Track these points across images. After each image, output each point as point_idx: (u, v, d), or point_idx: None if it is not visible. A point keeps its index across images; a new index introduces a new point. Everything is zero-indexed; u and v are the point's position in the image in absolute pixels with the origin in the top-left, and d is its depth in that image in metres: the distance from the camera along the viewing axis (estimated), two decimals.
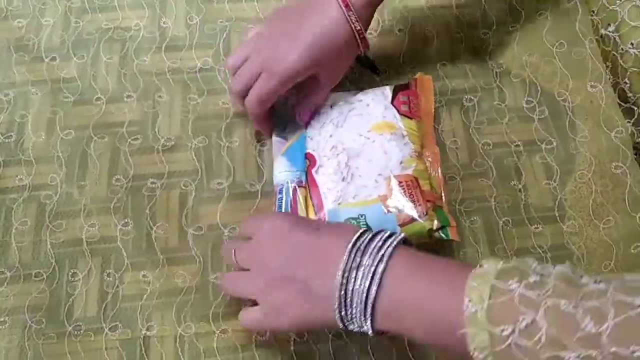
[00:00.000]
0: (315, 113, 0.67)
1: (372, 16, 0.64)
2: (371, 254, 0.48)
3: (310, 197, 0.62)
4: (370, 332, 0.48)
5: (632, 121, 0.69)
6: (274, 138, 0.67)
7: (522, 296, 0.40)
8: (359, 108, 0.66)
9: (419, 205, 0.59)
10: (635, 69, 0.67)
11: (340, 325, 0.49)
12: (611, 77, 0.71)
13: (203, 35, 0.75)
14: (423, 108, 0.67)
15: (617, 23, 0.68)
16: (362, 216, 0.59)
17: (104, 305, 0.61)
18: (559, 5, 0.75)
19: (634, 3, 0.67)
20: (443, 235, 0.59)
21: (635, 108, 0.68)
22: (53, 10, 0.76)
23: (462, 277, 0.43)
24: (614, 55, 0.69)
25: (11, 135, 0.68)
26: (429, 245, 0.60)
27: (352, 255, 0.48)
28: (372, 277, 0.47)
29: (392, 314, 0.47)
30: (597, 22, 0.73)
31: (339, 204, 0.60)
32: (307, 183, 0.63)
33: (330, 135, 0.65)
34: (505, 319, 0.40)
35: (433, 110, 0.68)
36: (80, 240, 0.63)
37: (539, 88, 0.72)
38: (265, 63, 0.62)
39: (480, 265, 0.44)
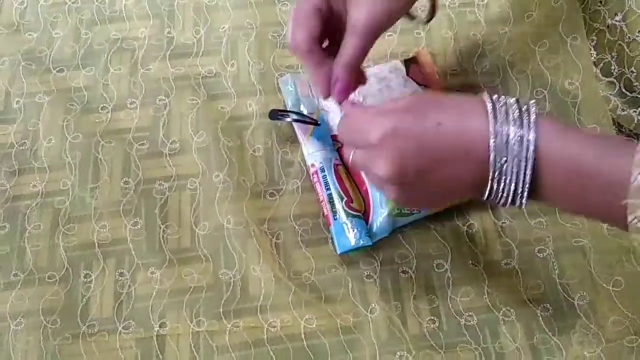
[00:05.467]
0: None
1: None
2: (515, 123, 0.45)
3: (350, 175, 0.62)
4: (524, 206, 0.47)
5: (638, 111, 0.69)
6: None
7: None
8: (377, 82, 0.67)
9: None
10: None
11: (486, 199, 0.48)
12: (616, 67, 0.71)
13: (209, 42, 0.77)
14: (430, 78, 0.69)
15: (624, 12, 0.68)
16: None
17: (117, 305, 0.62)
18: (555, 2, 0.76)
19: None
20: None
21: None
22: (63, 23, 0.78)
23: (627, 148, 0.43)
24: (619, 45, 0.69)
25: (25, 143, 0.70)
26: None
27: (497, 130, 0.45)
28: (527, 150, 0.44)
29: (549, 186, 0.46)
30: (604, 12, 0.73)
31: None
32: (343, 163, 0.63)
33: None
34: None
35: (437, 77, 0.69)
36: (93, 242, 0.65)
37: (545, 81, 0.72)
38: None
39: None
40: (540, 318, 0.61)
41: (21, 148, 0.70)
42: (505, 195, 0.47)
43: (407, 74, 0.69)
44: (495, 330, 0.60)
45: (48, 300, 0.62)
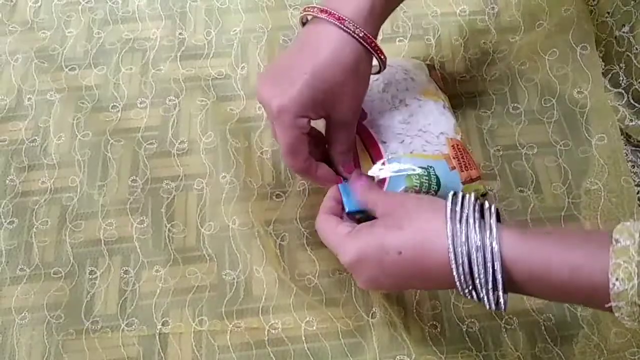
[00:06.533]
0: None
1: (378, 29, 0.57)
2: (477, 236, 0.45)
3: (365, 148, 0.61)
4: (503, 309, 0.47)
5: None
6: None
7: None
8: (403, 72, 0.66)
9: (474, 168, 0.62)
10: None
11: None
12: (625, 78, 0.71)
13: (220, 44, 0.78)
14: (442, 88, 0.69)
15: (631, 23, 0.68)
16: (430, 167, 0.59)
17: (121, 302, 0.62)
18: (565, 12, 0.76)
19: None
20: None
21: None
22: (77, 22, 0.79)
23: (601, 251, 0.43)
24: (627, 56, 0.69)
25: (35, 140, 0.71)
26: None
27: (457, 252, 0.46)
28: (493, 259, 0.45)
29: (523, 289, 0.46)
30: (611, 23, 0.73)
31: (411, 152, 0.60)
32: (358, 134, 0.62)
33: (384, 91, 0.64)
34: None
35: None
36: (99, 239, 0.65)
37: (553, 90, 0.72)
38: (271, 114, 0.53)
39: (616, 240, 0.43)
40: (543, 327, 0.60)
41: (31, 144, 0.71)
42: (482, 300, 0.47)
43: (430, 76, 0.68)
44: (498, 338, 0.60)
45: (53, 295, 0.63)
